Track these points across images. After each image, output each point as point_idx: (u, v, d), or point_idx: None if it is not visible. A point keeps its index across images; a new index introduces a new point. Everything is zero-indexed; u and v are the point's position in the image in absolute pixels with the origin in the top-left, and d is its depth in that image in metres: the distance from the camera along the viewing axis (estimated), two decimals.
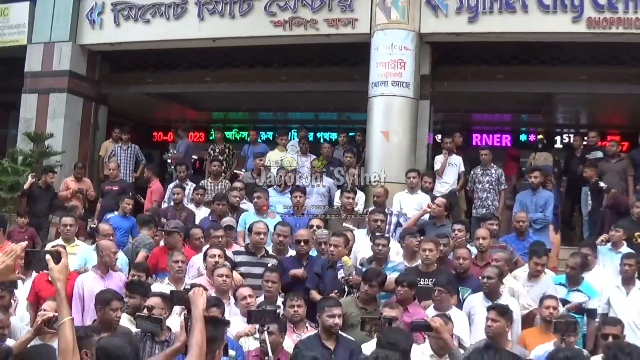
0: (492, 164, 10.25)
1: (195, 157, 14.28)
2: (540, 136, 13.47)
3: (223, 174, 11.26)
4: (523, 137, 16.35)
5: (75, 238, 8.21)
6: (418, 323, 5.04)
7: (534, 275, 7.06)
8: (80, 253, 7.80)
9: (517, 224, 8.43)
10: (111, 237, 7.66)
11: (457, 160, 10.81)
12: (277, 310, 5.62)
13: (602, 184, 9.76)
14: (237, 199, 9.14)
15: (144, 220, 8.63)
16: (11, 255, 3.03)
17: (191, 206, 9.69)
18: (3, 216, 9.26)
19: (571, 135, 14.54)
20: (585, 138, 11.98)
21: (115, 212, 9.52)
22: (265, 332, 4.61)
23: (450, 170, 10.68)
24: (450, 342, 4.95)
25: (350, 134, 12.48)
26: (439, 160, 10.87)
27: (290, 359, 5.00)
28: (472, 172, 10.29)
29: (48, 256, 3.07)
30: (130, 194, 10.81)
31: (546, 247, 7.79)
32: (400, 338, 4.63)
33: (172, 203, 9.79)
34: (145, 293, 5.65)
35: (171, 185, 10.46)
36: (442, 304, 6.16)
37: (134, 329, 5.23)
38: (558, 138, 15.59)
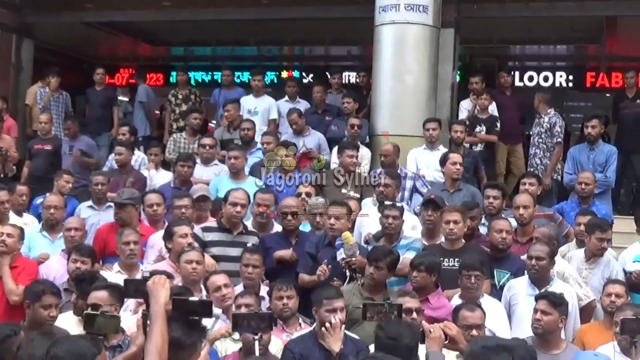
0: (548, 110, 10.25)
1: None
2: None
3: None
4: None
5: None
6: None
7: (595, 255, 7.03)
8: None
9: (580, 187, 8.40)
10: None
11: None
12: (274, 315, 5.56)
13: None
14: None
15: None
16: None
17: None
18: None
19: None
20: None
21: None
22: (257, 342, 4.63)
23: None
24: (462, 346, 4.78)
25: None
26: (465, 106, 10.83)
27: None
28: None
29: None
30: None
31: (609, 220, 7.76)
32: (403, 331, 4.66)
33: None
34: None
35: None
36: (474, 292, 6.15)
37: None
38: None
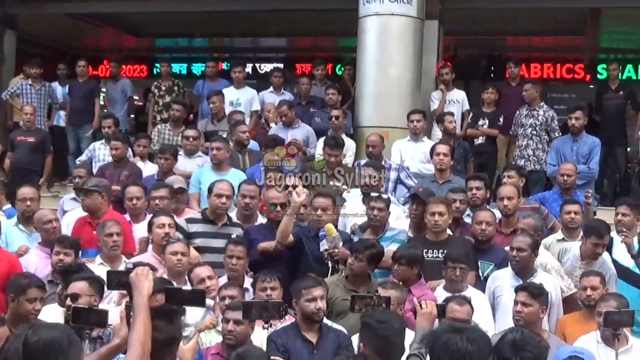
0: (541, 103, 10.29)
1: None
2: None
3: None
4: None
5: None
6: None
7: (588, 257, 6.93)
8: None
9: (562, 178, 8.40)
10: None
11: (459, 96, 10.95)
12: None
13: None
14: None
15: None
16: None
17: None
18: None
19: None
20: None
21: None
22: (266, 331, 4.71)
23: (450, 109, 10.71)
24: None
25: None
26: (435, 97, 10.88)
27: None
28: (517, 113, 10.34)
29: None
30: (51, 148, 10.78)
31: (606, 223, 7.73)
32: (391, 315, 4.77)
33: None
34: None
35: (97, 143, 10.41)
36: (458, 284, 6.18)
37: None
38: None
